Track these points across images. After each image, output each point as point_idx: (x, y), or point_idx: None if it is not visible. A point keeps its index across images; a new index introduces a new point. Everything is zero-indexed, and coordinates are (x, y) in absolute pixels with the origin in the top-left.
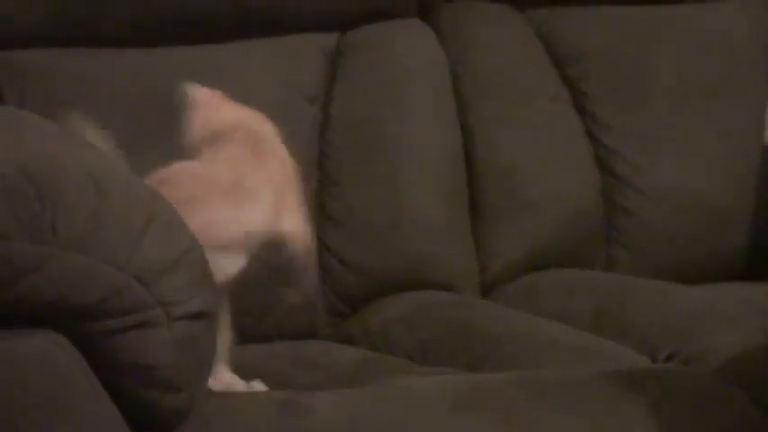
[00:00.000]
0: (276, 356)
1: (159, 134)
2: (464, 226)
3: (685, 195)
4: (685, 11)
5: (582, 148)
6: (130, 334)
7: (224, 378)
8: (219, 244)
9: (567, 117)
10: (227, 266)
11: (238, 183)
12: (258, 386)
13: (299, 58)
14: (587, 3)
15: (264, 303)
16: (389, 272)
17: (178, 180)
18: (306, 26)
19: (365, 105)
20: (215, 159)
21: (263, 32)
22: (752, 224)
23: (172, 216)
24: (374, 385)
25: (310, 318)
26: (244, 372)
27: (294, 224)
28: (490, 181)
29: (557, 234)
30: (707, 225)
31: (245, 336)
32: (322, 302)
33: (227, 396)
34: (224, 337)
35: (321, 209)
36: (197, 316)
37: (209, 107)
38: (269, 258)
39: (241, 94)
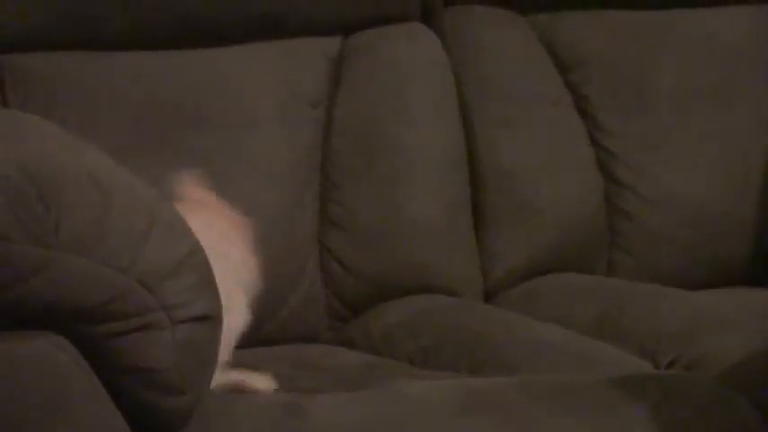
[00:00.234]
0: (277, 359)
1: (160, 138)
2: (466, 230)
3: (687, 200)
4: (687, 15)
5: (584, 152)
6: (133, 337)
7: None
8: None
9: (570, 121)
10: None
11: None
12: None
13: (302, 62)
14: (589, 7)
15: (266, 307)
16: (391, 276)
17: None
18: (309, 30)
19: (368, 109)
20: None
21: (265, 36)
22: (753, 229)
23: (175, 219)
24: (375, 389)
25: (312, 321)
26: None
27: None
28: (492, 185)
29: (558, 239)
30: (708, 230)
31: (246, 339)
32: (323, 306)
33: (229, 399)
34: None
35: (323, 212)
36: (200, 319)
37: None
38: None
39: (244, 98)
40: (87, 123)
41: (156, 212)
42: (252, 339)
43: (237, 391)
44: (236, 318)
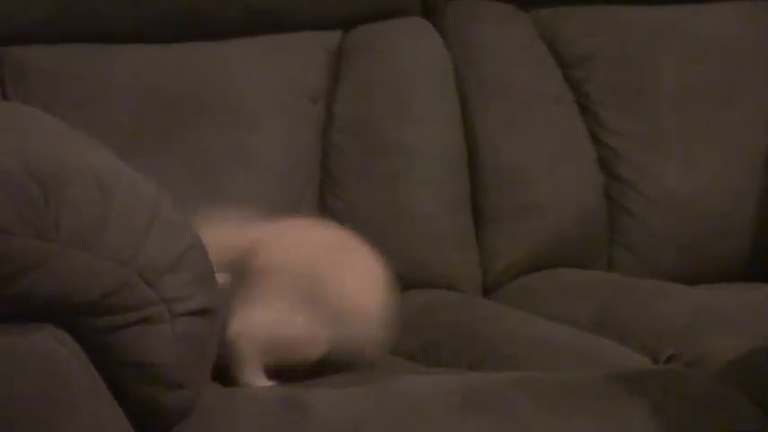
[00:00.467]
0: None
1: (161, 132)
2: (466, 227)
3: (687, 197)
4: (690, 12)
5: (585, 149)
6: (133, 330)
7: None
8: None
9: (571, 118)
10: None
11: None
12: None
13: (302, 56)
14: (592, 3)
15: None
16: (391, 272)
17: None
18: (309, 25)
19: (368, 105)
20: None
21: (266, 30)
22: (754, 226)
23: (175, 213)
24: (376, 384)
25: None
26: None
27: None
28: (493, 181)
29: (559, 235)
30: (709, 227)
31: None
32: None
33: (229, 393)
34: None
35: (323, 208)
36: (199, 313)
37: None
38: None
39: (244, 93)
40: (88, 117)
41: (157, 207)
42: None
43: None
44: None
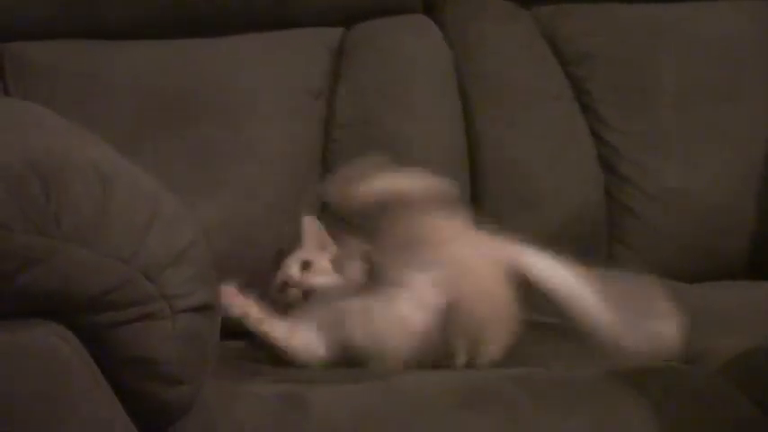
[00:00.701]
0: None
1: (162, 127)
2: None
3: (688, 195)
4: (691, 11)
5: (585, 146)
6: (134, 326)
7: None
8: None
9: (572, 116)
10: None
11: None
12: None
13: (303, 53)
14: (593, 1)
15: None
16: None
17: None
18: (310, 21)
19: (369, 101)
20: None
21: (267, 27)
22: (754, 224)
23: (176, 209)
24: (376, 381)
25: None
26: (244, 369)
27: None
28: (493, 178)
29: (559, 232)
30: (709, 225)
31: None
32: None
33: (230, 389)
34: None
35: (324, 204)
36: (200, 309)
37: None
38: None
39: (245, 88)
40: (89, 113)
41: (158, 203)
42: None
43: None
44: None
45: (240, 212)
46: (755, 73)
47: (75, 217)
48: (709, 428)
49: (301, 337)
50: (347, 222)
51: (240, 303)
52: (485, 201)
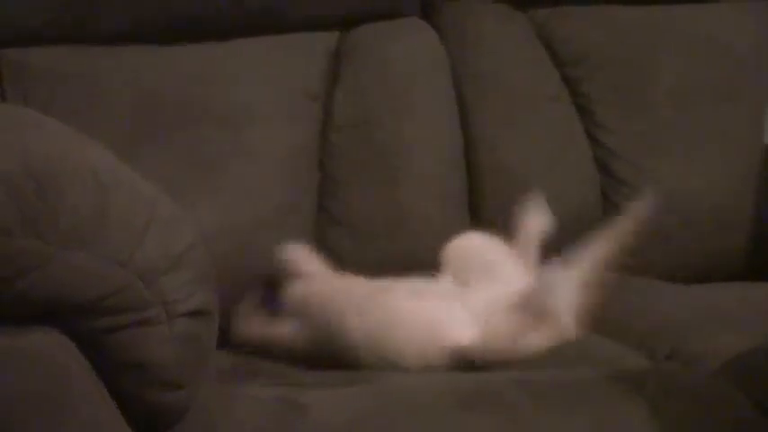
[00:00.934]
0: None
1: (159, 133)
2: (463, 226)
3: (685, 197)
4: (688, 12)
5: (582, 149)
6: (131, 331)
7: None
8: None
9: (568, 118)
10: None
11: None
12: None
13: (300, 56)
14: (589, 3)
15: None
16: (388, 272)
17: None
18: (307, 25)
19: (366, 105)
20: None
21: (264, 32)
22: (751, 226)
23: (174, 214)
24: (374, 384)
25: None
26: (244, 371)
27: None
28: (490, 181)
29: (556, 234)
30: (706, 227)
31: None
32: None
33: (227, 393)
34: None
35: (321, 207)
36: (197, 314)
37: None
38: None
39: (242, 92)
40: (86, 118)
41: (156, 208)
42: None
43: None
44: None
45: (238, 216)
46: (753, 75)
47: (72, 222)
48: (708, 429)
49: None
50: None
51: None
52: (481, 202)
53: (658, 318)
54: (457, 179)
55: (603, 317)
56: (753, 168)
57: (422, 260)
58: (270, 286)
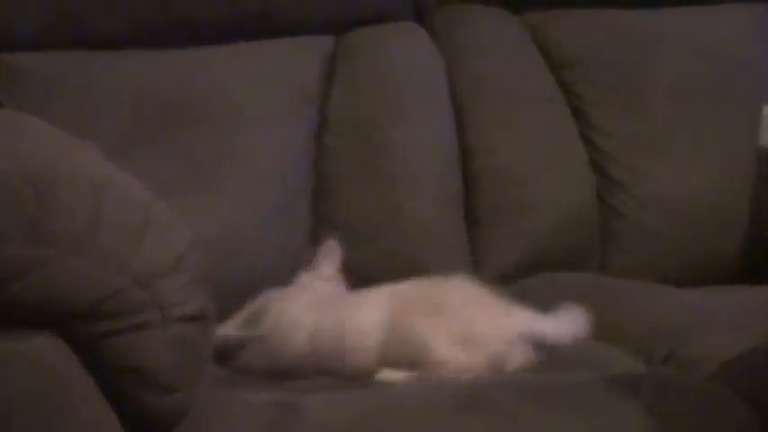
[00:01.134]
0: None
1: (155, 136)
2: (459, 229)
3: (681, 199)
4: (682, 14)
5: (578, 151)
6: (127, 336)
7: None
8: None
9: (563, 120)
10: None
11: None
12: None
13: (296, 60)
14: (583, 6)
15: None
16: (383, 274)
17: None
18: (302, 29)
19: (361, 108)
20: None
21: (260, 35)
22: (748, 228)
23: (170, 218)
24: (369, 388)
25: None
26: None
27: None
28: (485, 183)
29: (552, 237)
30: (702, 229)
31: None
32: None
33: (224, 397)
34: None
35: (317, 210)
36: (193, 318)
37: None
38: None
39: (238, 96)
40: (82, 123)
41: (152, 212)
42: None
43: None
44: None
45: (234, 220)
46: (749, 76)
47: (68, 226)
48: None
49: None
50: None
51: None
52: (477, 205)
53: (655, 321)
54: (452, 181)
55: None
56: (748, 171)
57: (418, 262)
58: None
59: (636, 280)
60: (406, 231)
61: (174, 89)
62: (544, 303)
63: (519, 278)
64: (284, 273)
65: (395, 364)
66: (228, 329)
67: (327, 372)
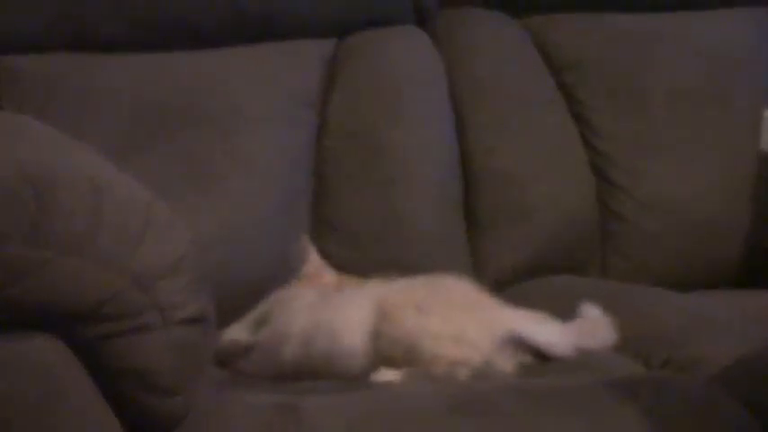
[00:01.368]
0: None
1: (155, 139)
2: (459, 232)
3: (680, 203)
4: (682, 19)
5: (578, 154)
6: (127, 338)
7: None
8: None
9: (563, 124)
10: None
11: None
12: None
13: (297, 63)
14: (583, 10)
15: None
16: (382, 275)
17: None
18: (303, 32)
19: (362, 111)
20: None
21: (261, 38)
22: (746, 231)
23: (170, 220)
24: (368, 390)
25: None
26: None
27: None
28: (485, 187)
29: (552, 240)
30: (702, 232)
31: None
32: None
33: (224, 399)
34: None
35: (317, 213)
36: (193, 320)
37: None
38: None
39: (238, 99)
40: (82, 125)
41: (152, 213)
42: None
43: None
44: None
45: (233, 223)
46: (747, 80)
47: (68, 228)
48: None
49: None
50: None
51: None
52: (477, 208)
53: (654, 324)
54: (452, 184)
55: None
56: (746, 175)
57: (417, 264)
58: None
59: (635, 283)
60: (406, 233)
61: (174, 91)
62: (544, 308)
63: (518, 280)
64: (284, 273)
65: (386, 362)
66: (235, 333)
67: (321, 375)
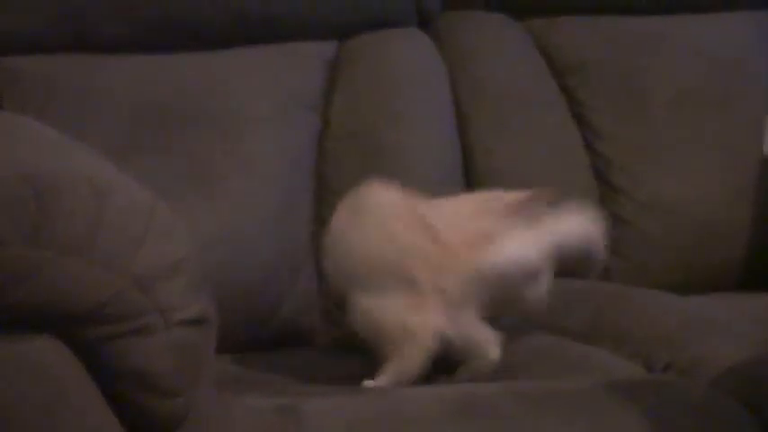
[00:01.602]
0: (273, 365)
1: (156, 140)
2: None
3: (682, 206)
4: (684, 22)
5: (579, 157)
6: (128, 339)
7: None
8: None
9: (565, 126)
10: None
11: None
12: None
13: (298, 65)
14: (585, 13)
15: (260, 311)
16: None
17: None
18: (305, 34)
19: (364, 113)
20: None
21: (263, 40)
22: (748, 234)
23: (171, 221)
24: (369, 392)
25: (307, 325)
26: (242, 382)
27: None
28: (486, 188)
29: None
30: (703, 235)
31: (241, 344)
32: (319, 309)
33: (225, 401)
34: None
35: (319, 215)
36: (194, 322)
37: None
38: None
39: (240, 100)
40: (82, 125)
41: (153, 215)
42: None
43: None
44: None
45: (234, 226)
46: (749, 83)
47: (68, 230)
48: None
49: None
50: None
51: None
52: None
53: (655, 327)
54: (453, 185)
55: (600, 326)
56: (748, 177)
57: None
58: None
59: (636, 286)
60: None
61: (174, 92)
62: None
63: None
64: (284, 274)
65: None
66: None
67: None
